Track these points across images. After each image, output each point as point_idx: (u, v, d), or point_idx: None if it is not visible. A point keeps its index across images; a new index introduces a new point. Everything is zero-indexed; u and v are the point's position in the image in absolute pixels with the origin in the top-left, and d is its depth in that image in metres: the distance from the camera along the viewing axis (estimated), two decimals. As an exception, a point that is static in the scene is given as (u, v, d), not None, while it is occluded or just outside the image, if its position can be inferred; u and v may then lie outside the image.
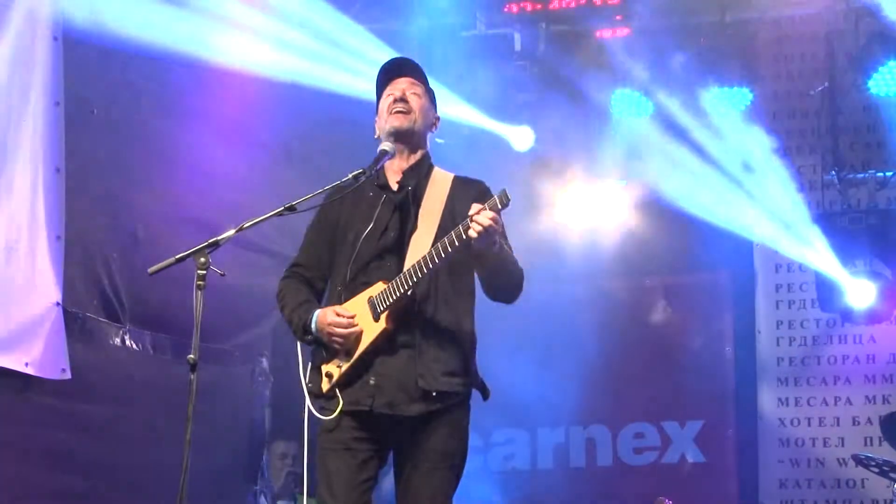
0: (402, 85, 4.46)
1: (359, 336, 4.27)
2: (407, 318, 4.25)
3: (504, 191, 4.03)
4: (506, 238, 4.24)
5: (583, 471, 9.27)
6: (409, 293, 4.20)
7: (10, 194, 6.20)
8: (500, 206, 4.01)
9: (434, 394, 4.23)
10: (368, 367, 4.27)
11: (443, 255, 4.11)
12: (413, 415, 4.24)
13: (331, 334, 4.27)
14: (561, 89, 8.65)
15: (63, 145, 6.48)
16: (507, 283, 4.33)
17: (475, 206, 4.03)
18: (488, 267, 4.23)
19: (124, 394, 7.00)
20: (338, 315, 4.27)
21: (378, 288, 4.26)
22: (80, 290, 6.72)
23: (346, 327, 4.25)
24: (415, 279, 4.17)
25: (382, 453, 4.35)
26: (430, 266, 4.14)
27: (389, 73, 4.50)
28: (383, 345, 4.26)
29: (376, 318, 4.25)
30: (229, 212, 7.25)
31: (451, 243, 4.09)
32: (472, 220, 4.01)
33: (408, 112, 4.41)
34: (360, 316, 4.27)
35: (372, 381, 4.25)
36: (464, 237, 4.04)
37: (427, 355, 4.26)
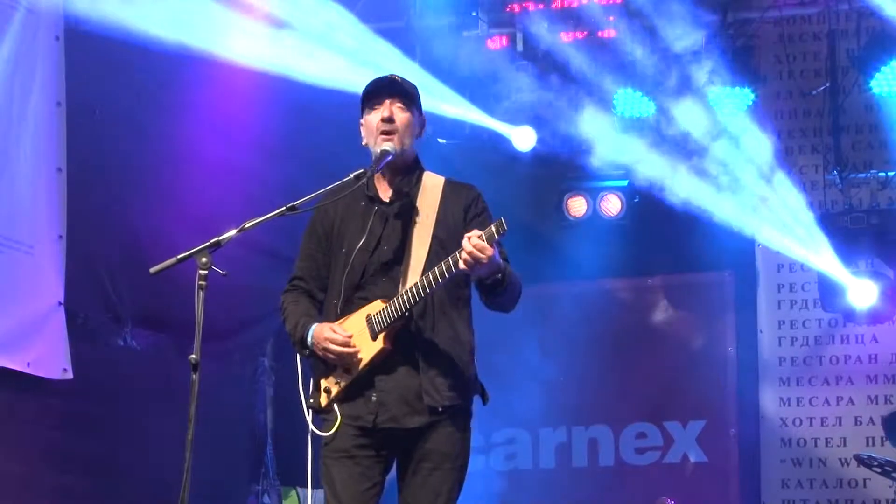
0: (387, 102, 4.42)
1: (356, 353, 4.28)
2: (405, 335, 4.28)
3: (501, 220, 4.06)
4: (506, 258, 4.26)
5: (585, 471, 9.25)
6: (406, 314, 4.23)
7: (12, 194, 6.20)
8: (496, 236, 4.04)
9: (440, 409, 4.27)
10: (369, 384, 4.30)
11: (440, 280, 4.15)
12: (415, 426, 4.28)
13: (325, 350, 4.30)
14: (563, 89, 8.64)
15: (64, 145, 6.48)
16: (502, 301, 4.36)
17: (475, 233, 4.05)
18: (484, 287, 4.26)
19: (126, 393, 7.00)
20: (334, 332, 4.28)
21: (377, 306, 4.28)
22: (81, 289, 6.72)
23: (342, 345, 4.27)
24: (412, 303, 4.20)
25: (386, 459, 4.36)
26: (427, 291, 4.18)
27: (373, 92, 4.46)
28: (382, 362, 4.28)
29: (374, 338, 4.27)
30: (231, 212, 7.25)
31: (443, 273, 4.13)
32: (462, 252, 4.04)
33: (393, 132, 4.38)
34: (358, 333, 4.29)
35: (374, 398, 4.29)
36: (454, 269, 4.09)
37: (430, 372, 4.28)
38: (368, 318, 4.28)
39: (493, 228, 4.05)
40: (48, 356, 6.32)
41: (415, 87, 4.54)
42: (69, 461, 6.57)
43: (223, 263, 4.08)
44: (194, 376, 3.91)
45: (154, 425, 6.94)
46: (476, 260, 4.03)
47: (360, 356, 4.29)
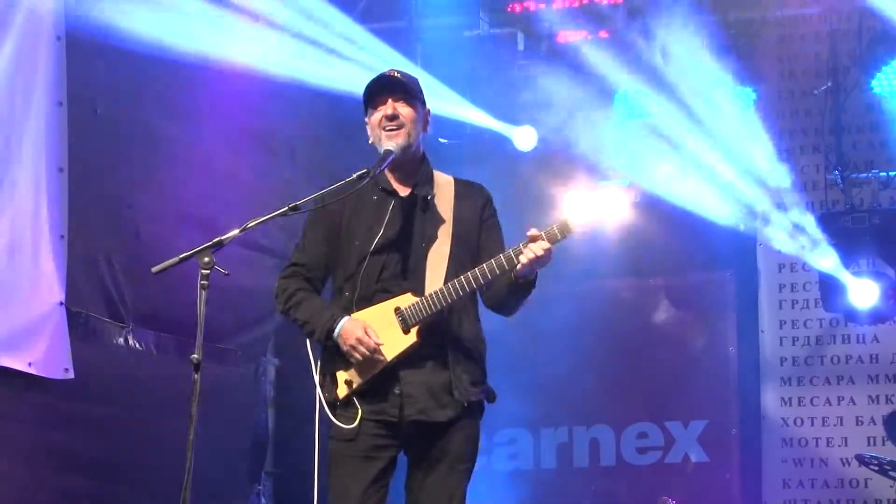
0: (389, 101, 4.42)
1: (382, 349, 4.26)
2: (434, 330, 4.26)
3: (566, 221, 4.04)
4: None
5: (586, 470, 9.25)
6: (442, 309, 4.22)
7: (14, 194, 6.20)
8: (559, 238, 4.04)
9: (466, 404, 4.27)
10: (393, 378, 4.28)
11: (489, 276, 4.14)
12: (442, 420, 4.27)
13: (353, 348, 4.24)
14: (564, 89, 8.64)
15: (66, 145, 6.47)
16: (516, 306, 4.40)
17: (533, 230, 4.04)
18: (513, 289, 4.26)
19: (127, 393, 6.99)
20: (367, 335, 4.22)
21: (407, 300, 4.26)
22: (83, 289, 6.71)
23: (372, 350, 4.22)
24: (454, 297, 4.19)
25: (395, 459, 4.37)
26: (473, 287, 4.18)
27: (374, 92, 4.46)
28: (410, 356, 4.27)
29: (406, 331, 4.25)
30: (233, 211, 7.25)
31: (500, 266, 4.12)
32: (526, 247, 4.02)
33: (400, 127, 4.38)
34: (387, 325, 4.26)
35: (397, 391, 4.27)
36: (514, 262, 4.09)
37: (457, 367, 4.29)
38: (399, 311, 4.26)
39: (557, 230, 4.06)
40: (49, 356, 6.31)
41: (415, 81, 4.53)
42: (70, 461, 6.56)
43: (225, 263, 4.08)
44: (196, 376, 3.91)
45: (155, 425, 6.93)
46: (537, 259, 4.03)
47: (388, 349, 4.26)
